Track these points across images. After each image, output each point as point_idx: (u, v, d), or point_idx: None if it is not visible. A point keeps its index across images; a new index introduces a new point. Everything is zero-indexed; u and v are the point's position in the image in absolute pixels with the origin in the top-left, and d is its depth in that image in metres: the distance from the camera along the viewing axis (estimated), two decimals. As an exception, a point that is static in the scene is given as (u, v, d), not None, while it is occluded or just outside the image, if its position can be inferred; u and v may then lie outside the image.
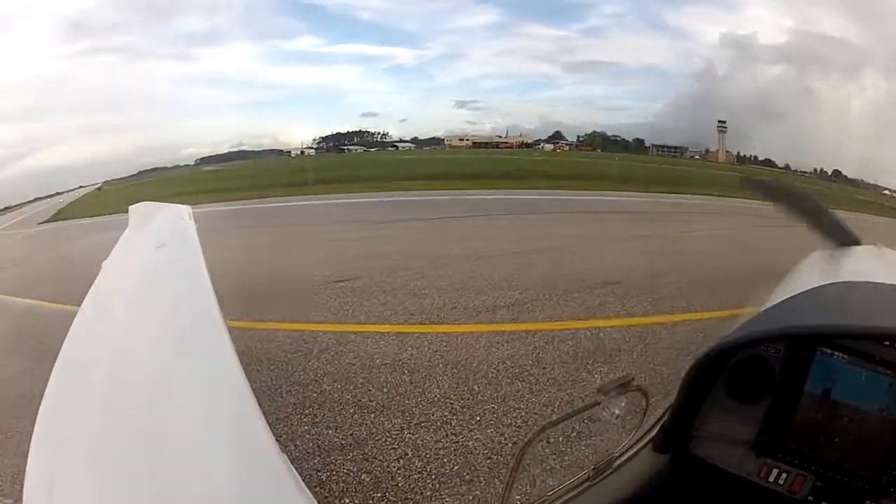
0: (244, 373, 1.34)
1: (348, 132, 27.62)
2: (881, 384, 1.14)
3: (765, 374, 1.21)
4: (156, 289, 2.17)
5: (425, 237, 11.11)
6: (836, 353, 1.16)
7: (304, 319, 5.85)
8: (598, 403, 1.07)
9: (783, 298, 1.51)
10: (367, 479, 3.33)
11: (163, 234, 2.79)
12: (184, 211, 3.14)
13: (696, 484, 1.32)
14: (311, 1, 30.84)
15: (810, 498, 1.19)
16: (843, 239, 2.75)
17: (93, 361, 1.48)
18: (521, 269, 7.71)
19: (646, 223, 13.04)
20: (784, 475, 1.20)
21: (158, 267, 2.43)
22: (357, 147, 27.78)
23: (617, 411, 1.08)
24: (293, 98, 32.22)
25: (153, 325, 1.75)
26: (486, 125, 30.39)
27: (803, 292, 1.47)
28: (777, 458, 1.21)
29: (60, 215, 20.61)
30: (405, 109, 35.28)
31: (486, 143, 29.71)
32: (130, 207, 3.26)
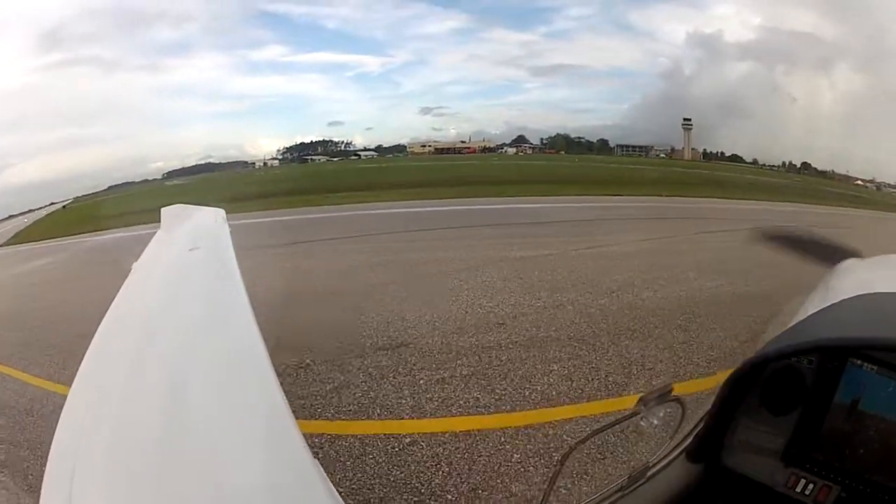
0: (276, 375, 1.34)
1: (313, 142, 27.39)
2: None
3: (797, 385, 1.20)
4: (189, 290, 2.16)
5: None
6: (867, 364, 1.16)
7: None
8: (639, 413, 1.07)
9: (815, 310, 1.52)
10: (398, 483, 3.44)
11: (196, 237, 2.76)
12: (217, 214, 3.12)
13: (726, 494, 1.32)
14: (278, 10, 29.82)
15: None
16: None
17: (122, 359, 1.50)
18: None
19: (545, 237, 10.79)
20: (811, 486, 1.20)
21: (191, 269, 2.41)
22: (321, 157, 27.44)
23: (656, 421, 1.09)
24: (261, 108, 31.77)
25: (185, 326, 1.73)
26: (452, 131, 30.24)
27: (836, 303, 1.47)
28: (805, 469, 1.21)
29: (18, 238, 19.74)
30: (372, 117, 35.53)
31: (449, 148, 29.54)
32: (163, 209, 3.24)
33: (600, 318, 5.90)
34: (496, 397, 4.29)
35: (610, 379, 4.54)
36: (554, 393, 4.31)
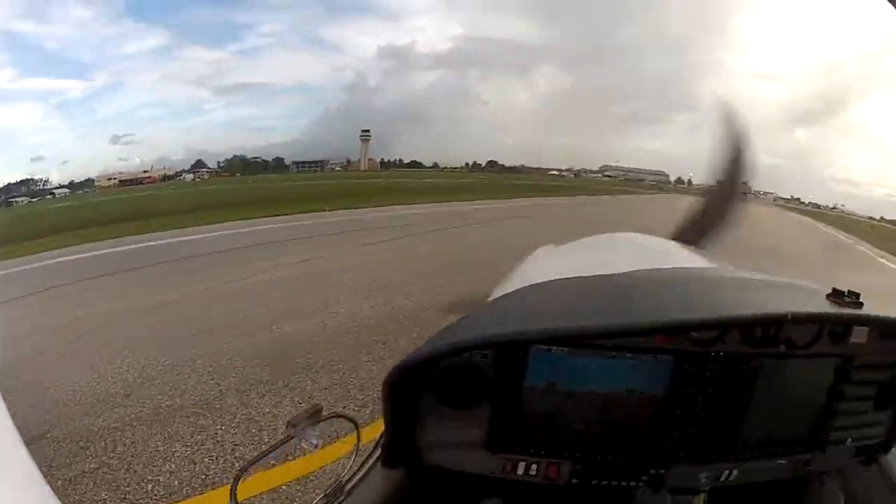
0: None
1: (17, 182, 25.61)
2: (618, 366, 1.14)
3: (477, 379, 1.14)
4: None
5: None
6: (554, 347, 1.12)
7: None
8: (292, 437, 1.02)
9: (492, 299, 1.53)
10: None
11: None
12: None
13: (442, 489, 1.30)
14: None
15: (574, 480, 1.20)
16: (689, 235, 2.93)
17: None
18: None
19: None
20: (534, 465, 1.19)
21: None
22: (23, 198, 25.52)
23: (315, 441, 1.04)
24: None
25: None
26: (136, 160, 29.28)
27: (512, 292, 1.45)
28: (517, 452, 1.19)
29: None
30: (68, 150, 31.82)
31: (132, 179, 29.36)
32: None
33: (230, 371, 5.15)
34: (121, 496, 3.57)
35: (237, 452, 3.92)
36: (177, 483, 3.62)
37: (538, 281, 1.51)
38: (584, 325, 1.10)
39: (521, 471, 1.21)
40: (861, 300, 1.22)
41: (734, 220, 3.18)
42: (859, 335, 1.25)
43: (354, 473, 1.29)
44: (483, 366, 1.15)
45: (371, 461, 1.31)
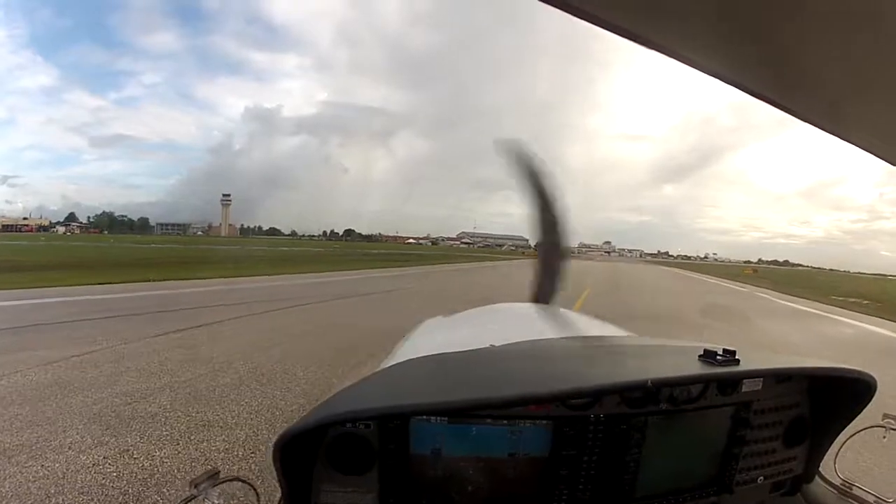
0: None
1: None
2: (497, 433, 1.17)
3: (363, 447, 1.17)
4: None
5: None
6: (433, 417, 1.15)
7: None
8: (194, 497, 0.98)
9: (377, 370, 1.52)
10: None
11: None
12: None
13: None
14: None
15: None
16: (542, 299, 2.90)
17: None
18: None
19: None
20: None
21: None
22: None
23: (217, 501, 1.01)
24: None
25: None
26: (19, 204, 26.83)
27: (394, 365, 1.47)
28: None
29: None
30: None
31: (13, 225, 26.42)
32: None
33: None
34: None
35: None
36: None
37: (425, 351, 1.53)
38: (453, 400, 1.09)
39: None
40: (737, 357, 1.25)
41: (564, 276, 3.08)
42: (753, 384, 1.29)
43: None
44: (368, 434, 1.16)
45: None
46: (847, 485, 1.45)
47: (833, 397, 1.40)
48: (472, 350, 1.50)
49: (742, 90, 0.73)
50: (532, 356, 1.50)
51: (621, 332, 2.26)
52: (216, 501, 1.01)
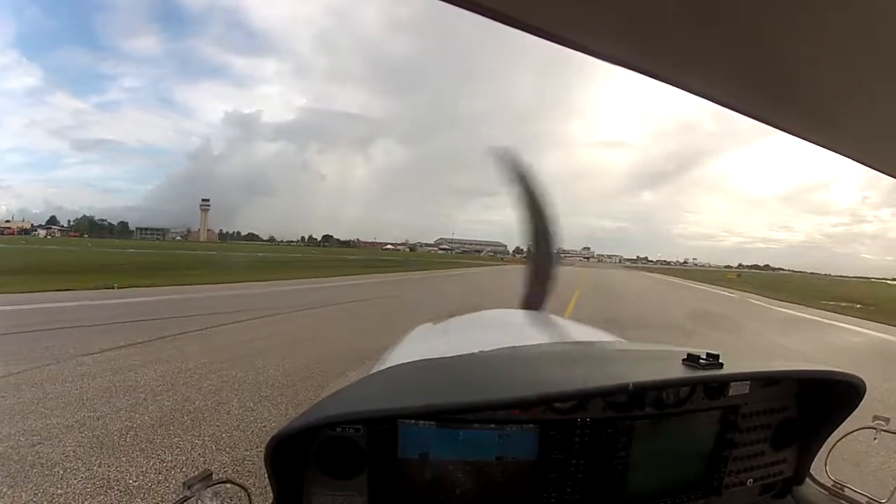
0: None
1: None
2: (485, 437, 1.17)
3: (352, 451, 1.17)
4: None
5: None
6: (421, 422, 1.15)
7: None
8: (188, 498, 0.99)
9: (367, 375, 1.53)
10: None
11: None
12: None
13: None
14: None
15: None
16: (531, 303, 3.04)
17: None
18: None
19: None
20: None
21: None
22: None
23: (210, 502, 1.01)
24: None
25: None
26: (3, 207, 26.15)
27: (384, 370, 1.50)
28: None
29: None
30: None
31: None
32: None
33: None
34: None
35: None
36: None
37: (414, 357, 1.56)
38: (441, 403, 1.09)
39: None
40: (720, 361, 1.25)
41: (554, 282, 3.21)
42: (740, 387, 1.30)
43: None
44: (357, 438, 1.17)
45: None
46: (838, 486, 1.45)
47: (822, 400, 1.40)
48: (461, 355, 1.51)
49: (734, 110, 0.73)
50: (519, 361, 1.50)
51: (609, 337, 2.27)
52: (209, 502, 1.01)
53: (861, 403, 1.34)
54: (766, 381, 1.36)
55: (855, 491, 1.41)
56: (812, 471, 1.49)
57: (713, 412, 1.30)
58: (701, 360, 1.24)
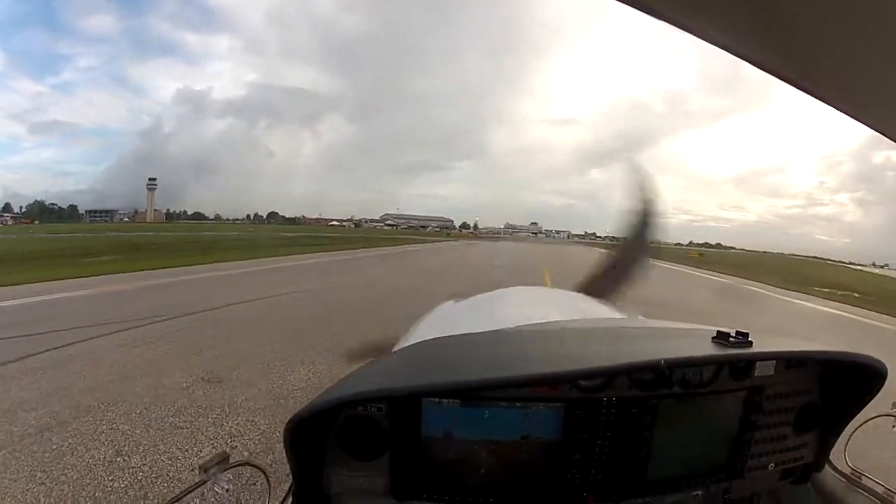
0: None
1: None
2: (510, 415, 1.14)
3: (374, 430, 1.14)
4: None
5: None
6: (444, 400, 1.12)
7: None
8: (204, 482, 0.97)
9: (394, 351, 1.50)
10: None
11: None
12: None
13: None
14: None
15: None
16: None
17: None
18: None
19: None
20: None
21: None
22: None
23: (227, 485, 0.99)
24: None
25: None
26: None
27: (406, 348, 1.46)
28: (423, 499, 1.17)
29: None
30: None
31: None
32: None
33: None
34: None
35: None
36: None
37: (437, 334, 1.51)
38: (465, 380, 1.06)
39: None
40: (750, 339, 1.21)
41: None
42: (766, 368, 1.26)
43: None
44: (379, 417, 1.14)
45: None
46: (856, 474, 1.41)
47: (844, 384, 1.35)
48: (485, 332, 1.47)
49: (751, 62, 0.68)
50: (544, 338, 1.45)
51: (634, 316, 2.21)
52: (225, 486, 0.98)
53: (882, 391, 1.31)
54: (791, 363, 1.32)
55: (872, 480, 1.38)
56: (830, 457, 1.45)
57: (738, 393, 1.27)
58: (731, 339, 1.22)
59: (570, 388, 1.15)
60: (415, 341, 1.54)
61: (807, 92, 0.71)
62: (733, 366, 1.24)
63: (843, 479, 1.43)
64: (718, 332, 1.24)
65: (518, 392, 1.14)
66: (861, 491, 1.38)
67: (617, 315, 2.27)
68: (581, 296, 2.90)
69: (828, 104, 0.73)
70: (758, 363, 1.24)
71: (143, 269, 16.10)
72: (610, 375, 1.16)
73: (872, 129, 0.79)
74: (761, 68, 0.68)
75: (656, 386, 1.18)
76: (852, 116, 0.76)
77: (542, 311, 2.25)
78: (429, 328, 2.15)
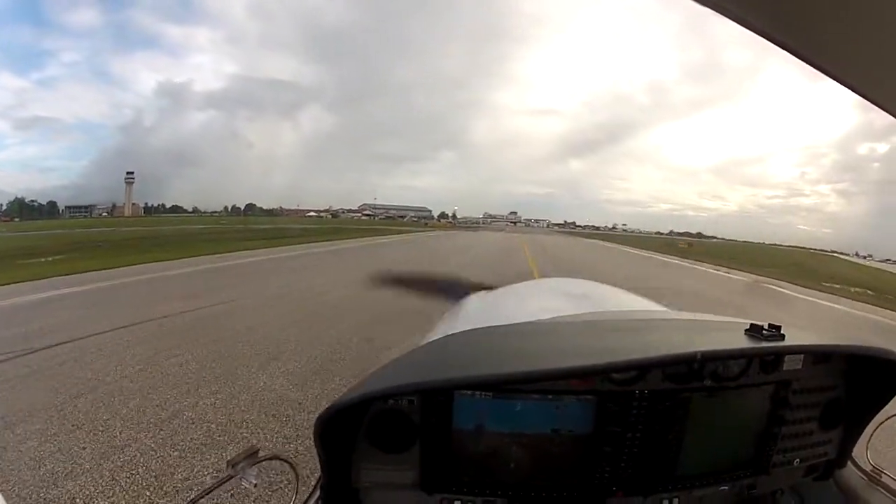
0: None
1: None
2: (542, 408, 1.13)
3: (405, 423, 1.12)
4: None
5: None
6: (477, 392, 1.11)
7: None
8: (232, 477, 0.96)
9: (421, 345, 1.46)
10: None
11: None
12: None
13: None
14: None
15: None
16: None
17: None
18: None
19: None
20: None
21: None
22: None
23: (255, 480, 0.98)
24: None
25: None
26: None
27: (438, 340, 1.41)
28: (453, 492, 1.16)
29: None
30: None
31: None
32: None
33: None
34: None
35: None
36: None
37: (468, 326, 1.47)
38: (498, 373, 1.05)
39: None
40: (782, 332, 1.19)
41: None
42: (794, 362, 1.23)
43: None
44: (410, 410, 1.13)
45: (311, 503, 1.19)
46: (877, 472, 1.39)
47: (868, 380, 1.33)
48: (517, 324, 1.45)
49: (749, 27, 0.61)
50: (577, 330, 1.42)
51: (664, 308, 2.11)
52: (253, 481, 0.98)
53: None
54: (819, 358, 1.30)
55: (892, 478, 1.36)
56: (853, 455, 1.43)
57: (766, 387, 1.25)
58: (764, 331, 1.20)
59: (603, 380, 1.15)
60: (445, 333, 1.47)
61: (810, 63, 0.64)
62: (763, 359, 1.22)
63: (863, 477, 1.41)
64: (752, 324, 1.23)
65: (550, 385, 1.12)
66: (881, 489, 1.36)
67: (648, 307, 2.22)
68: (612, 287, 2.80)
69: (833, 78, 0.66)
70: (787, 357, 1.22)
71: (58, 274, 13.98)
72: (645, 368, 1.15)
73: (872, 101, 0.71)
74: (761, 34, 0.61)
75: (688, 379, 1.17)
76: (855, 90, 0.69)
77: (572, 302, 2.23)
78: (459, 320, 2.11)
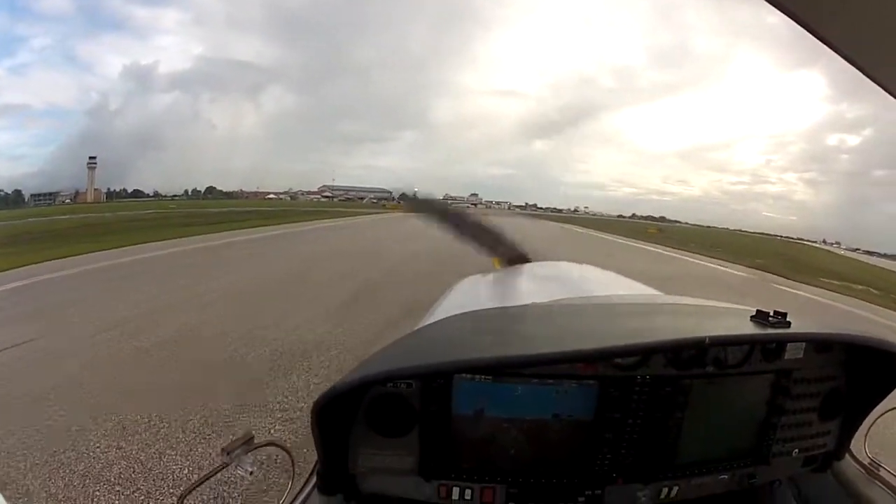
0: None
1: None
2: (543, 392, 1.10)
3: (404, 407, 1.09)
4: None
5: None
6: (477, 376, 1.08)
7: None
8: (227, 465, 0.95)
9: (417, 328, 1.42)
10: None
11: None
12: None
13: None
14: None
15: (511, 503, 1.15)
16: (512, 257, 2.56)
17: None
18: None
19: None
20: (469, 491, 1.13)
21: None
22: None
23: (250, 468, 0.96)
24: None
25: None
26: None
27: (433, 323, 1.39)
28: (451, 478, 1.13)
29: None
30: None
31: None
32: None
33: None
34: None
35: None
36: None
37: (465, 309, 1.42)
38: (500, 356, 1.03)
39: (456, 496, 1.14)
40: (788, 319, 1.16)
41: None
42: (795, 351, 1.21)
43: (292, 501, 1.16)
44: (409, 394, 1.10)
45: (308, 489, 1.18)
46: (874, 465, 1.38)
47: (868, 371, 1.31)
48: (516, 307, 1.45)
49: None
50: (578, 314, 1.40)
51: (664, 293, 2.07)
52: (249, 469, 0.96)
53: None
54: (820, 347, 1.28)
55: (889, 472, 1.36)
56: (850, 447, 1.41)
57: (767, 375, 1.23)
58: (770, 318, 1.18)
59: (605, 365, 1.12)
60: (441, 316, 1.45)
61: (809, 29, 0.61)
62: (765, 347, 1.20)
63: (861, 469, 1.40)
64: (758, 311, 1.21)
65: (551, 369, 1.10)
66: (877, 482, 1.35)
67: (649, 291, 2.18)
68: (611, 273, 2.78)
69: (834, 49, 0.63)
70: (789, 346, 1.21)
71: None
72: (651, 352, 1.12)
73: (871, 78, 0.68)
74: None
75: (690, 365, 1.15)
76: (856, 65, 0.66)
77: (570, 286, 2.21)
78: (455, 303, 2.05)
